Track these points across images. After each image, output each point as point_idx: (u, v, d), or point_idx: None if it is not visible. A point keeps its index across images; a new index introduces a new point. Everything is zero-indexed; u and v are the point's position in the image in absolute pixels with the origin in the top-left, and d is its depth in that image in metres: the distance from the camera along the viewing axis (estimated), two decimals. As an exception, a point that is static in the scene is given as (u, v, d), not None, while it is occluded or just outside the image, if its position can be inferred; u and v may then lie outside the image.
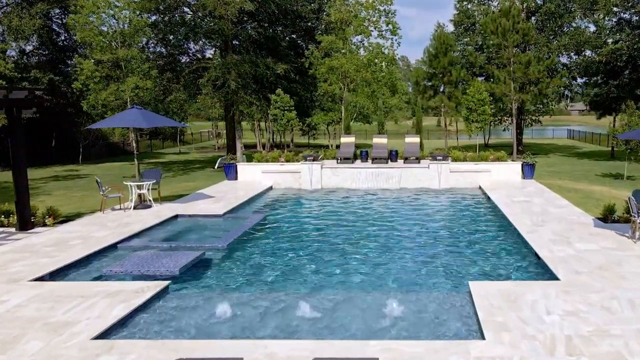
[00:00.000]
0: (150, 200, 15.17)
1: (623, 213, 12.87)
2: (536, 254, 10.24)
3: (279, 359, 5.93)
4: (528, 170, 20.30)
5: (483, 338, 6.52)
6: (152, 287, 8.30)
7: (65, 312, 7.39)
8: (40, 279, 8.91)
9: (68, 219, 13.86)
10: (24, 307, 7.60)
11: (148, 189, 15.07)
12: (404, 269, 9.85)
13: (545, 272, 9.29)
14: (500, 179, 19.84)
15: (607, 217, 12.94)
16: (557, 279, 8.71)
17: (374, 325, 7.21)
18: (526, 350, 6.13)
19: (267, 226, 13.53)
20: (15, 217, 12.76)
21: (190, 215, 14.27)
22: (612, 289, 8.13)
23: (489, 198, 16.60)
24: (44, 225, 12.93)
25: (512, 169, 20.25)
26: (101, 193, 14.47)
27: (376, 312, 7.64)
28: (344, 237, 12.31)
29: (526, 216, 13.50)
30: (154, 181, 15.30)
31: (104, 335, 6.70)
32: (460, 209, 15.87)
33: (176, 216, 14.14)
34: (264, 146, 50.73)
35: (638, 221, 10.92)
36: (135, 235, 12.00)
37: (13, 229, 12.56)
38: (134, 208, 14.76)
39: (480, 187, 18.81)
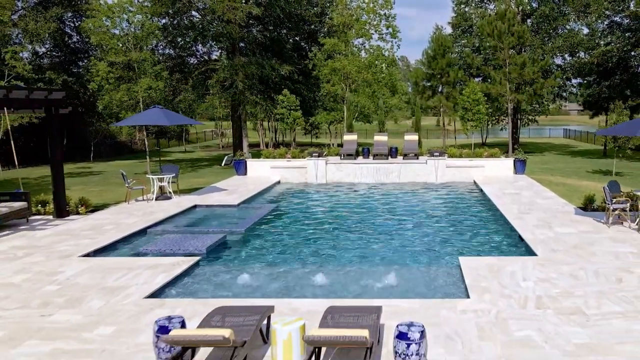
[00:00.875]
0: (170, 192, 16.50)
1: (602, 202, 14.18)
2: (520, 236, 11.58)
3: (301, 312, 7.24)
4: (520, 166, 21.63)
5: (468, 297, 7.85)
6: (186, 261, 9.63)
7: (115, 279, 8.72)
8: (86, 255, 10.24)
9: (97, 208, 15.19)
10: (79, 276, 8.93)
11: (168, 182, 16.39)
12: (401, 249, 11.16)
13: (526, 251, 10.62)
14: (494, 174, 21.17)
15: (587, 206, 14.27)
16: (535, 255, 10.05)
17: (378, 287, 8.55)
18: (502, 306, 7.46)
19: (279, 214, 14.86)
20: (51, 206, 14.12)
21: (207, 205, 15.60)
22: (582, 263, 9.46)
23: (482, 191, 17.92)
24: (77, 213, 14.25)
25: (504, 164, 21.59)
26: (126, 185, 15.80)
27: (379, 279, 8.96)
28: (349, 222, 13.63)
29: (514, 206, 14.83)
30: (174, 174, 16.63)
31: (153, 296, 8.02)
32: (455, 199, 17.20)
33: (195, 206, 15.47)
34: (266, 145, 52.00)
35: (611, 208, 12.26)
36: (160, 222, 13.34)
37: (50, 217, 13.89)
38: (156, 199, 16.09)
39: (474, 182, 20.13)
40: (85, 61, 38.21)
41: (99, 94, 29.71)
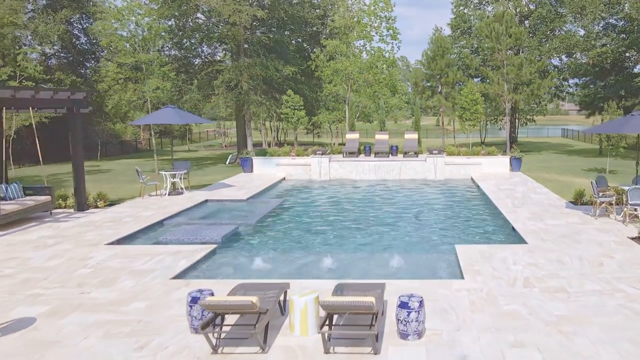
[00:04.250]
0: (182, 188, 17.35)
1: (590, 197, 15.02)
2: (512, 227, 12.43)
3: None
4: (516, 164, 22.48)
5: (463, 278, 8.69)
6: (205, 249, 10.48)
7: (142, 264, 9.56)
8: (111, 244, 11.08)
9: (113, 203, 16.02)
10: (108, 261, 9.77)
11: (180, 178, 17.24)
12: (403, 240, 12.01)
13: (517, 240, 11.46)
14: (490, 172, 22.02)
15: (577, 201, 15.12)
16: (525, 243, 10.89)
17: (385, 272, 9.42)
18: (493, 286, 8.30)
19: (285, 208, 15.71)
20: (71, 201, 14.96)
21: (218, 200, 16.46)
22: (568, 249, 10.31)
23: (478, 187, 18.77)
24: (96, 207, 15.10)
25: (501, 162, 22.44)
26: (140, 181, 16.64)
27: (384, 264, 9.82)
28: (353, 216, 14.48)
29: (509, 200, 15.68)
30: (185, 171, 17.47)
31: (178, 277, 8.86)
32: (453, 194, 18.04)
33: (206, 201, 16.32)
34: (269, 144, 52.83)
35: (598, 201, 13.10)
36: (175, 215, 14.18)
37: (72, 210, 14.73)
38: (169, 194, 16.93)
39: (472, 178, 20.98)
40: (93, 62, 39.02)
41: (107, 95, 30.53)
